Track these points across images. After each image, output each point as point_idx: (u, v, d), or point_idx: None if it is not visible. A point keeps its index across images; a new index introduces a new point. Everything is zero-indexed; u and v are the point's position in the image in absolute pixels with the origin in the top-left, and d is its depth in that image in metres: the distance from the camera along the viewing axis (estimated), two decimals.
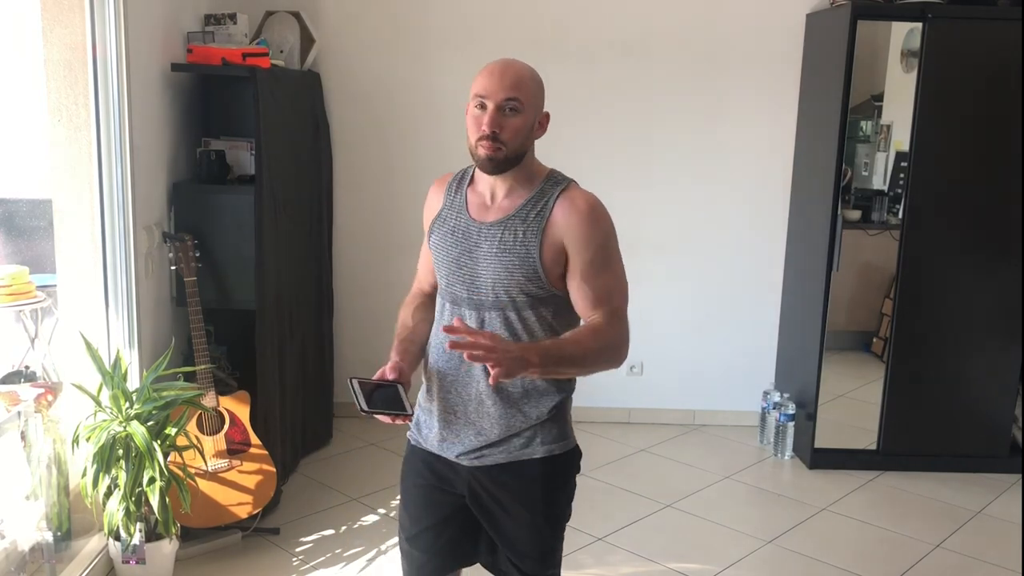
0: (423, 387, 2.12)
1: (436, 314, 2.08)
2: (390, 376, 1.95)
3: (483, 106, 1.88)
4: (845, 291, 4.06)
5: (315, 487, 3.81)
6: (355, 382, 1.89)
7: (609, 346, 1.94)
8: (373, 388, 1.91)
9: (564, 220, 1.93)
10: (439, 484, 2.08)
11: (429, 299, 2.17)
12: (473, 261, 1.96)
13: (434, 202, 2.09)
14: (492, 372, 1.72)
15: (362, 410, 1.88)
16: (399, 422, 1.93)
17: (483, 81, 1.89)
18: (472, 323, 1.96)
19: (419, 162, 4.44)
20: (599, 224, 1.95)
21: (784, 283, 4.53)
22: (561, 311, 2.00)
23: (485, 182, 1.99)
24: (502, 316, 1.95)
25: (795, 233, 4.41)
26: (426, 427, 2.09)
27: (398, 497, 3.82)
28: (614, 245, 1.98)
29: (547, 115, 1.98)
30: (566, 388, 2.06)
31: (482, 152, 1.89)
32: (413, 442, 2.13)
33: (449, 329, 1.77)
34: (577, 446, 2.11)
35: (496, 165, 1.90)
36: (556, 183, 1.99)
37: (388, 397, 1.91)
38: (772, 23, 4.31)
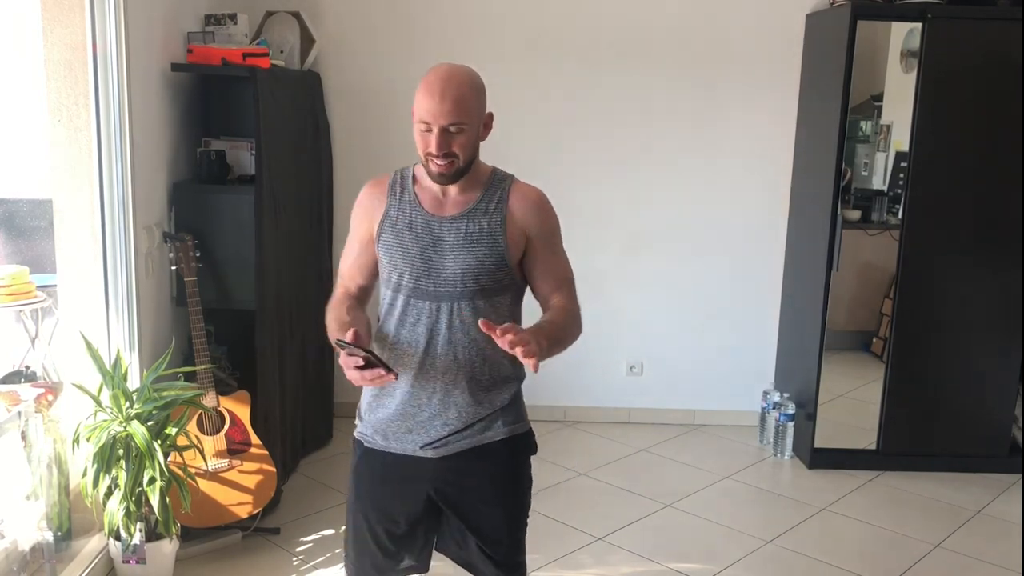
0: (371, 390, 2.11)
1: (388, 311, 2.09)
2: (349, 340, 1.88)
3: (429, 129, 1.94)
4: (845, 291, 4.07)
5: (315, 487, 3.81)
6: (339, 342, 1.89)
7: (577, 323, 2.08)
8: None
9: (521, 209, 2.05)
10: (402, 484, 2.10)
11: (356, 301, 2.19)
12: (439, 255, 2.02)
13: (375, 204, 2.10)
14: (532, 362, 1.80)
15: (364, 350, 1.86)
16: (389, 378, 1.87)
17: (425, 105, 1.93)
18: (441, 315, 2.02)
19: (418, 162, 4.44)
20: (551, 211, 2.11)
21: (784, 283, 4.53)
22: (518, 297, 2.12)
23: None
24: (471, 305, 2.02)
25: (795, 233, 4.41)
26: (384, 425, 2.09)
27: None
28: (560, 231, 2.13)
29: (491, 115, 2.05)
30: (522, 375, 2.15)
31: (434, 168, 1.98)
32: (368, 444, 2.12)
33: (501, 329, 1.80)
34: (531, 429, 2.18)
35: (448, 178, 2.00)
36: (503, 177, 2.11)
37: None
38: (772, 23, 4.31)
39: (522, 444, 2.15)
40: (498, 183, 2.08)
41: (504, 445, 2.10)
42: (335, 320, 2.09)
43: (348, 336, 1.88)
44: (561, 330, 2.00)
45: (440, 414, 2.05)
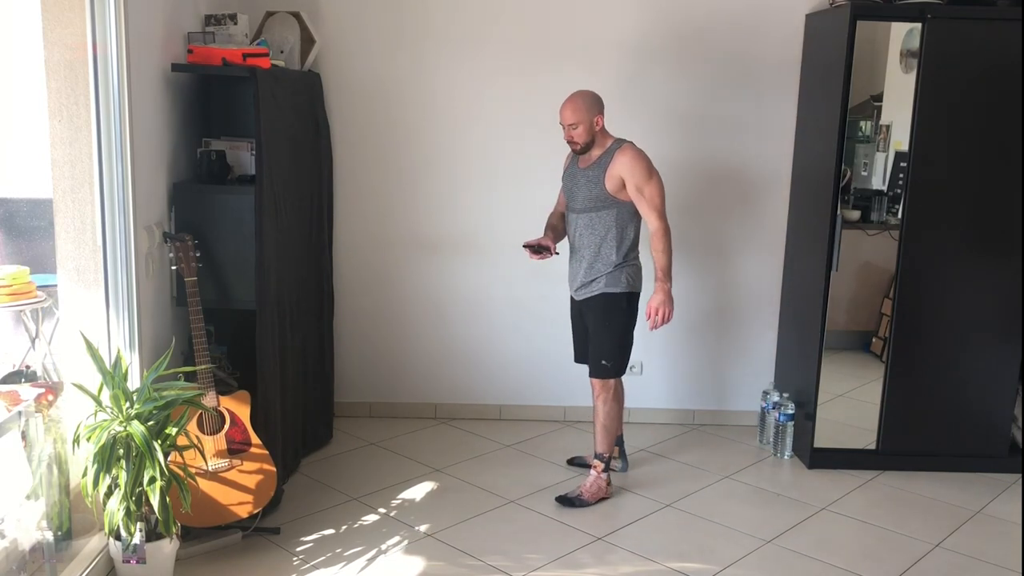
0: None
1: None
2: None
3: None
4: (845, 291, 4.07)
5: (315, 487, 3.81)
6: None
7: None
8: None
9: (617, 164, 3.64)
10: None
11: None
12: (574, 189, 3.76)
13: None
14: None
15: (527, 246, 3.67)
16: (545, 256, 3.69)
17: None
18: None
19: (419, 162, 4.44)
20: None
21: (784, 283, 4.54)
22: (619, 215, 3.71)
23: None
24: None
25: (795, 233, 4.41)
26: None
27: (399, 496, 3.84)
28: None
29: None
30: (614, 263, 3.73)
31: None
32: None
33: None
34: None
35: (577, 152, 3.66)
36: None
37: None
38: (772, 23, 4.32)
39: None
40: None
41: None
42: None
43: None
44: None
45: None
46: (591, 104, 3.55)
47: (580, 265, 3.68)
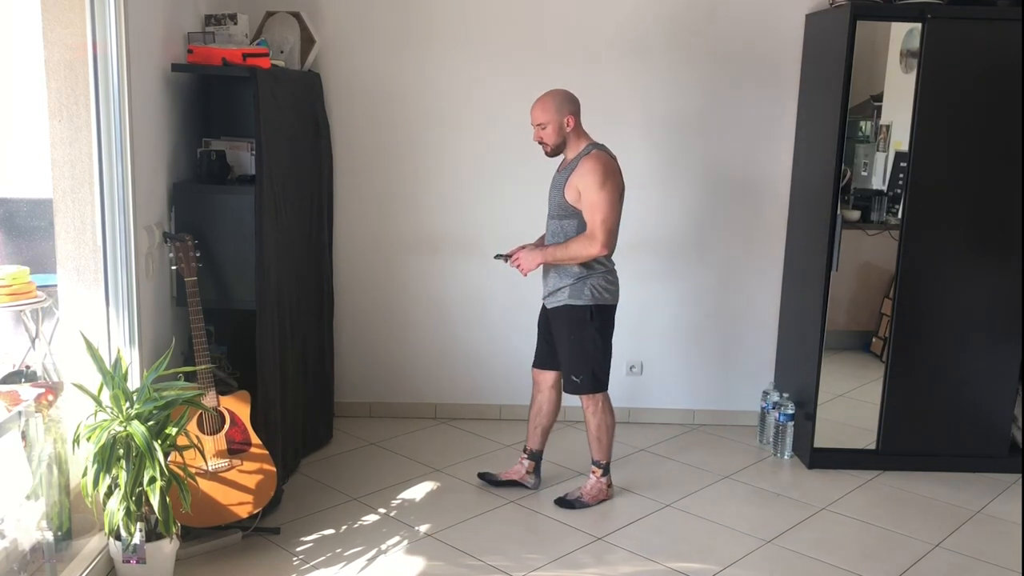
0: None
1: None
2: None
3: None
4: (845, 291, 4.07)
5: (315, 487, 3.81)
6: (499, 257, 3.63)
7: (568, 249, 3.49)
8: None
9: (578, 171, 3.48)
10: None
11: None
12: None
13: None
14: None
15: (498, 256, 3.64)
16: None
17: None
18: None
19: (419, 162, 4.44)
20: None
21: (784, 283, 4.54)
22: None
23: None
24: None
25: (795, 233, 4.41)
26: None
27: (399, 496, 3.84)
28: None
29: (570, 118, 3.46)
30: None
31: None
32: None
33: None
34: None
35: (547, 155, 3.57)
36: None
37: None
38: (772, 23, 4.32)
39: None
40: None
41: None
42: None
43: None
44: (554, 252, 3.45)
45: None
46: (562, 103, 3.43)
47: (547, 272, 3.58)
